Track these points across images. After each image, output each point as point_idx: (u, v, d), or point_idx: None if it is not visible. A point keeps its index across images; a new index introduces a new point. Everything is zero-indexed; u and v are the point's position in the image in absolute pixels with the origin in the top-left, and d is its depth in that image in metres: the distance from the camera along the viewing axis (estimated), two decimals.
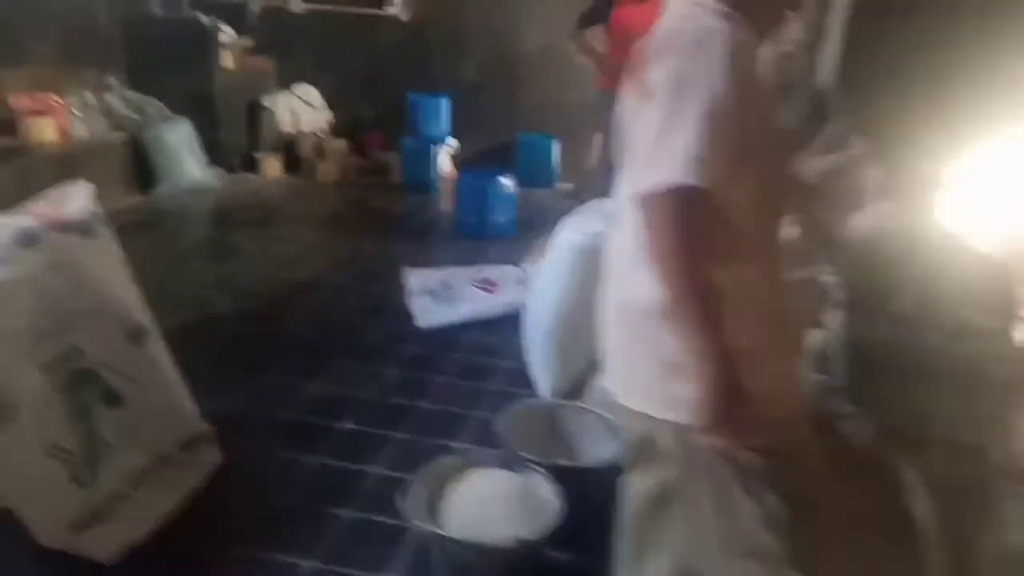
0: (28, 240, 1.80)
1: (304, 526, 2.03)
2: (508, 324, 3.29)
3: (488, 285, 3.58)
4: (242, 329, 3.18)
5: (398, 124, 5.91)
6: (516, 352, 3.05)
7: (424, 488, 1.78)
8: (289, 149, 5.92)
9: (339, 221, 4.89)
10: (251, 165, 5.84)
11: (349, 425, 2.51)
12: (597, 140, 4.68)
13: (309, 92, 6.16)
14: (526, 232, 4.65)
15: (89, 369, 1.95)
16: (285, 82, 6.15)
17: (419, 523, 1.64)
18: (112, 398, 2.00)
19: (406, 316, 3.35)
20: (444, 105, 5.73)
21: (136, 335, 2.05)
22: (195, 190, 5.16)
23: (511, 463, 1.89)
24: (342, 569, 1.88)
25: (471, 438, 2.45)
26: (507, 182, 4.53)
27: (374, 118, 6.16)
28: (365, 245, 4.36)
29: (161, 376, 2.12)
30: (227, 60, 5.68)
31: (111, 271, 2.02)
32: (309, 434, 2.44)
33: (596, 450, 2.07)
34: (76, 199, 2.19)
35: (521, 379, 2.84)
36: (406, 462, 2.29)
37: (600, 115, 4.68)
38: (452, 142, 5.85)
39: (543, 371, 2.71)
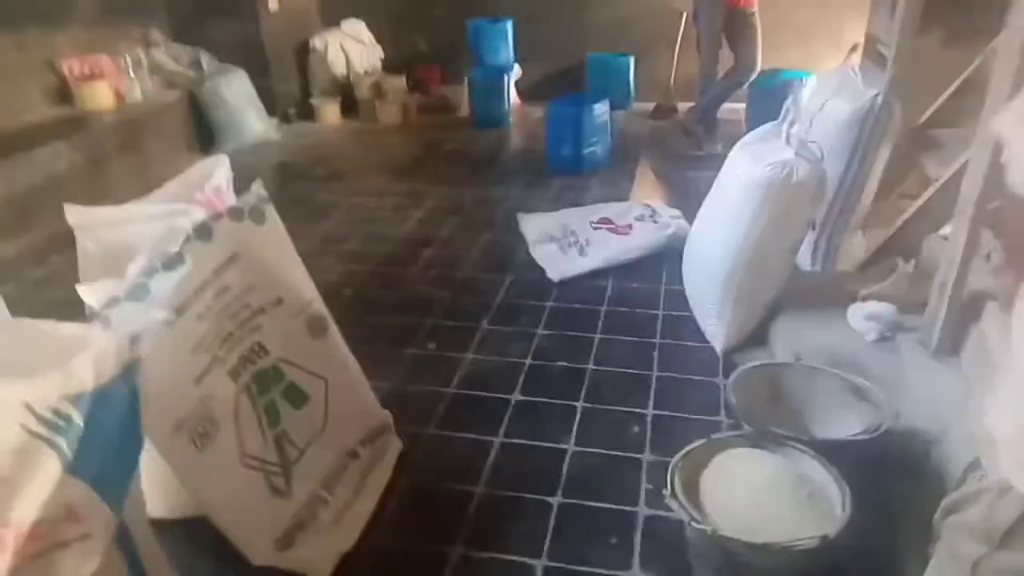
0: (203, 234, 1.56)
1: (515, 518, 1.85)
2: (648, 268, 3.05)
3: (611, 225, 3.30)
4: (370, 297, 2.95)
5: (455, 55, 5.53)
6: (672, 300, 2.81)
7: (679, 479, 1.57)
8: (345, 92, 5.56)
9: (420, 166, 4.58)
10: (308, 113, 5.51)
11: (519, 397, 2.31)
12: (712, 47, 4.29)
13: (358, 28, 5.75)
14: (623, 162, 4.34)
15: (274, 368, 1.74)
16: (331, 20, 5.74)
17: (701, 525, 1.43)
18: (299, 397, 1.80)
19: (535, 269, 3.10)
20: (508, 30, 5.32)
21: (317, 326, 1.82)
22: (259, 145, 4.87)
23: (764, 442, 1.66)
24: (580, 568, 1.70)
25: (662, 403, 2.24)
26: (602, 108, 4.18)
27: (430, 51, 5.75)
28: (458, 191, 4.07)
29: (344, 368, 1.91)
30: (270, 1, 5.28)
31: (285, 258, 1.78)
32: (479, 410, 2.24)
33: (837, 417, 1.84)
34: (220, 174, 1.95)
35: (687, 330, 2.61)
36: (600, 436, 2.10)
37: (694, 25, 4.30)
38: (517, 69, 5.45)
39: (718, 321, 2.47)
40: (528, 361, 2.48)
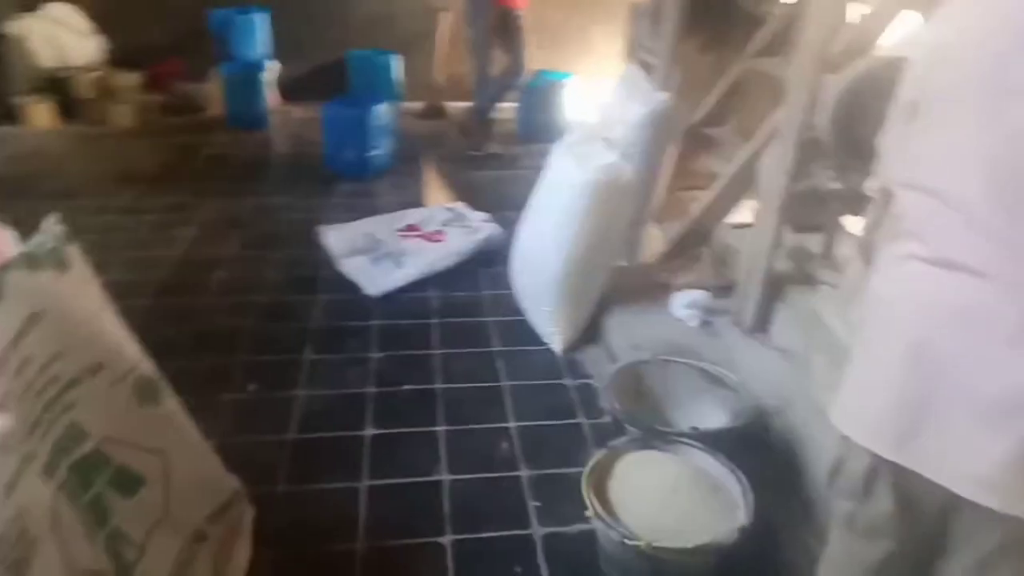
0: None
1: (409, 569, 1.68)
2: (467, 275, 2.98)
3: (420, 232, 3.18)
4: (156, 336, 2.46)
5: (199, 49, 4.93)
6: (500, 305, 2.78)
7: (589, 490, 1.54)
8: (59, 89, 4.66)
9: (175, 176, 3.98)
10: (10, 115, 4.53)
11: (373, 431, 2.11)
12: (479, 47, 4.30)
13: (66, 12, 4.83)
14: (406, 165, 4.21)
15: (96, 452, 1.37)
16: (29, 2, 4.76)
17: (635, 541, 1.41)
18: (131, 482, 1.44)
19: (349, 286, 2.86)
20: (261, 21, 4.86)
21: (147, 391, 1.47)
22: None
23: (656, 443, 1.70)
24: None
25: (522, 413, 2.20)
26: (384, 110, 4.00)
27: (168, 43, 5.04)
28: (232, 202, 3.62)
29: (183, 435, 1.57)
30: None
31: (96, 311, 1.40)
32: (331, 454, 2.01)
33: (697, 405, 1.95)
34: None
35: (523, 334, 2.59)
36: (472, 460, 2.00)
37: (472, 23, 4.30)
38: (273, 65, 5.01)
39: (555, 322, 2.49)
40: (371, 389, 2.28)
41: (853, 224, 2.46)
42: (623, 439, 1.69)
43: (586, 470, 1.58)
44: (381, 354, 2.46)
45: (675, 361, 2.03)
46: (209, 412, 2.08)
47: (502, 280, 2.82)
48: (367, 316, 2.68)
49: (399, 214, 3.38)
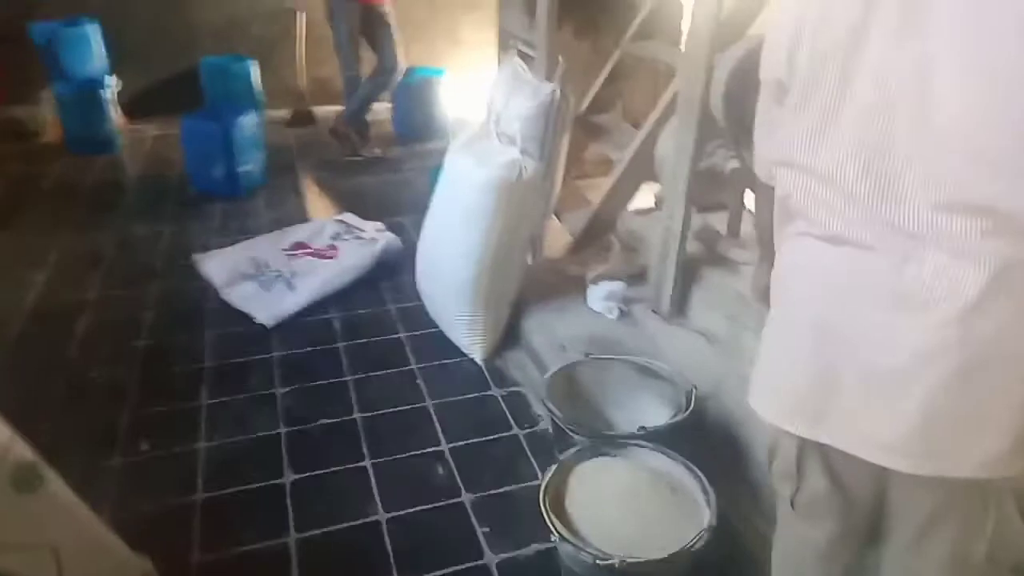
0: None
1: None
2: (367, 290, 2.81)
3: (310, 250, 2.95)
4: (28, 401, 2.11)
5: (21, 67, 4.37)
6: (409, 319, 2.62)
7: (549, 512, 1.45)
8: None
9: (12, 212, 3.48)
10: None
11: (293, 477, 1.91)
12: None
13: None
14: (281, 177, 3.94)
15: None
16: None
17: (609, 560, 1.32)
18: None
19: (239, 316, 2.60)
20: (93, 33, 4.38)
21: (26, 477, 1.22)
22: None
23: (605, 448, 1.63)
24: None
25: (452, 433, 2.07)
26: (251, 120, 3.70)
27: None
28: (88, 237, 3.22)
29: (75, 523, 1.33)
30: None
31: None
32: (249, 510, 1.80)
33: (634, 400, 1.90)
34: None
35: (440, 347, 2.46)
36: (408, 491, 1.86)
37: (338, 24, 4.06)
38: (113, 81, 4.53)
39: (472, 331, 2.38)
40: (282, 430, 2.08)
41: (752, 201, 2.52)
42: (572, 451, 1.61)
43: (541, 491, 1.49)
44: (287, 388, 2.25)
45: (607, 358, 1.97)
46: (97, 482, 1.83)
47: (408, 291, 2.67)
48: (265, 348, 2.45)
49: (283, 232, 3.13)
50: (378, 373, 2.34)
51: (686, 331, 2.29)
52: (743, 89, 2.13)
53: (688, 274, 2.35)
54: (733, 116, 2.16)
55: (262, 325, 2.55)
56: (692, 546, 1.36)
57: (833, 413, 0.96)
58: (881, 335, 0.90)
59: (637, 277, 2.56)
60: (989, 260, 0.82)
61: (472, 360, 2.39)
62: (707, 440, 1.82)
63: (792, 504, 1.13)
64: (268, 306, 2.62)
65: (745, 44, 2.11)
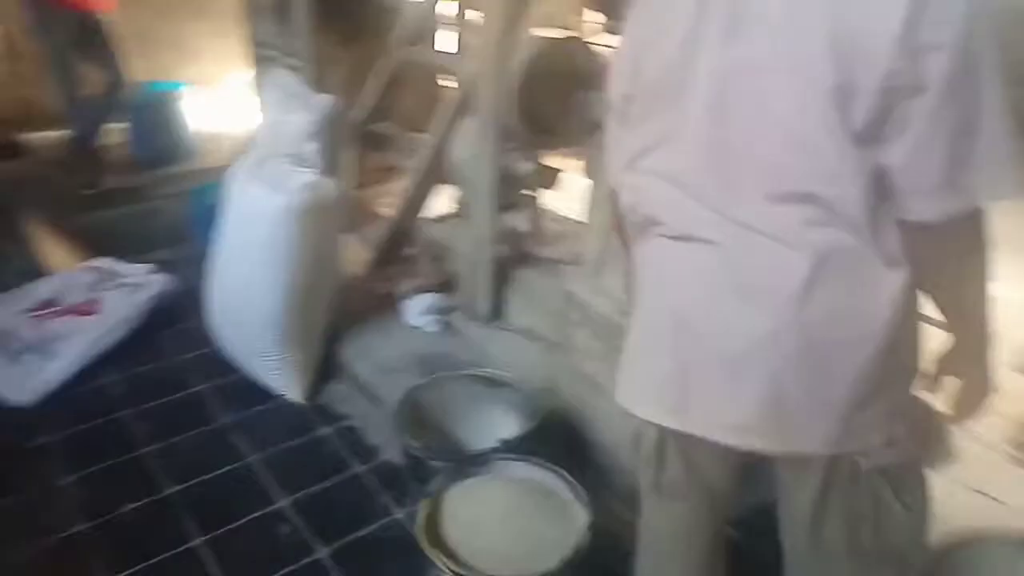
0: None
1: None
2: (145, 343, 2.46)
3: (62, 308, 2.50)
4: None
5: None
6: (205, 368, 2.34)
7: (434, 551, 1.38)
8: None
9: None
10: None
11: None
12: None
13: None
14: None
15: None
16: None
17: None
18: None
19: None
20: None
21: None
22: None
23: (471, 469, 1.59)
24: None
25: (290, 484, 1.89)
26: None
27: None
28: None
29: None
30: None
31: None
32: None
33: (484, 412, 1.89)
34: None
35: (252, 394, 2.23)
36: (256, 563, 1.67)
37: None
38: None
39: (285, 370, 2.19)
40: (83, 527, 1.74)
41: (548, 199, 2.62)
42: (438, 479, 1.55)
43: (419, 532, 1.41)
44: (75, 476, 1.90)
45: (449, 376, 1.93)
46: None
47: (197, 338, 2.39)
48: (31, 434, 2.03)
49: (21, 292, 2.60)
50: (183, 436, 2.06)
51: (509, 333, 2.33)
52: (532, 91, 2.21)
53: (500, 276, 2.39)
54: (525, 117, 2.23)
55: (19, 406, 2.12)
56: (579, 547, 1.39)
57: (691, 401, 1.00)
58: (726, 324, 0.96)
59: (447, 286, 2.54)
60: (813, 248, 0.89)
61: (289, 401, 2.21)
62: (557, 438, 1.86)
63: (656, 487, 1.19)
64: (21, 382, 2.18)
65: (531, 47, 2.18)
